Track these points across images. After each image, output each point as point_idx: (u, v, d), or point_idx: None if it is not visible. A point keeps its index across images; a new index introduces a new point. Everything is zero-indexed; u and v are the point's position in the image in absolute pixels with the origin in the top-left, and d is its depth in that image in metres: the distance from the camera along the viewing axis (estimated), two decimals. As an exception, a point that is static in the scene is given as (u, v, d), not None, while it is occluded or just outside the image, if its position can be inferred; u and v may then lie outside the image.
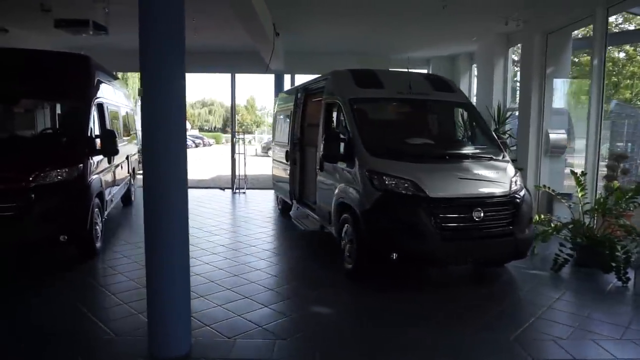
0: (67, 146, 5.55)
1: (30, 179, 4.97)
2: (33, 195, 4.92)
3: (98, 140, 5.83)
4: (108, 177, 6.69)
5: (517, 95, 9.21)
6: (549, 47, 7.52)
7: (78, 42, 9.52)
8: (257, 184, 12.88)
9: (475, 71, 11.96)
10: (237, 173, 12.00)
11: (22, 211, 4.85)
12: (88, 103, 5.89)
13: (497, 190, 4.76)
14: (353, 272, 4.98)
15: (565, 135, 7.88)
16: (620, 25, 14.44)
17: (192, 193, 11.72)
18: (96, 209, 5.77)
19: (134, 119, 9.99)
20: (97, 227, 5.85)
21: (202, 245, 6.37)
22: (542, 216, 5.83)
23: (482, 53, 10.45)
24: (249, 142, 44.76)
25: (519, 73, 9.79)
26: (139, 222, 7.87)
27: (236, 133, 12.85)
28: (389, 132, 5.54)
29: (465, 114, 6.04)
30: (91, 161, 5.67)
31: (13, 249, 5.25)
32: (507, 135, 8.78)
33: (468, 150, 5.51)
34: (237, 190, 11.83)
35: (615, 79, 15.93)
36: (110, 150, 5.98)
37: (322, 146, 5.36)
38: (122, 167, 7.98)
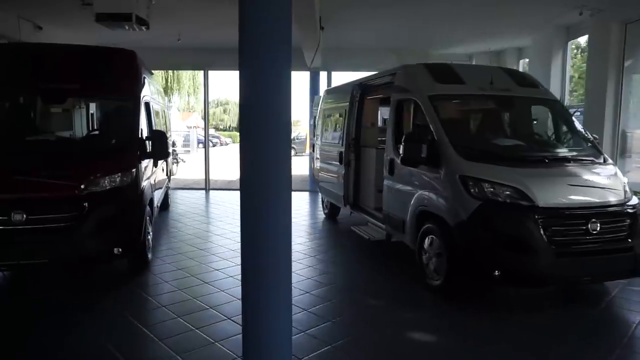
0: (118, 149, 5.07)
1: (83, 186, 4.50)
2: (86, 204, 4.45)
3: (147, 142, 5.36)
4: (154, 181, 6.22)
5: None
6: (628, 38, 6.88)
7: (104, 39, 9.11)
8: (295, 185, 12.33)
9: (523, 67, 11.32)
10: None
11: (75, 222, 4.37)
12: (137, 101, 5.38)
13: (613, 198, 4.19)
14: (441, 289, 4.45)
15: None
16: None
17: (225, 196, 11.51)
18: (147, 217, 5.30)
19: (169, 117, 9.55)
20: (149, 236, 5.37)
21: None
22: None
23: (537, 47, 9.79)
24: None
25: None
26: (184, 229, 7.43)
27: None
28: (476, 133, 4.99)
29: (550, 112, 5.46)
30: (142, 165, 5.20)
31: (65, 265, 4.73)
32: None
33: (565, 152, 4.94)
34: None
35: None
36: (161, 152, 5.47)
37: (400, 148, 4.85)
38: (163, 170, 7.51)
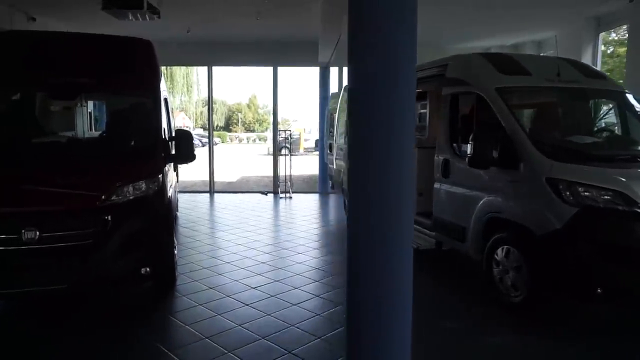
0: (140, 151, 4.40)
1: (103, 196, 3.82)
2: (109, 218, 3.77)
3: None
4: (175, 187, 5.55)
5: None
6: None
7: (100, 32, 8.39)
8: (297, 187, 11.71)
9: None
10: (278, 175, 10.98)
11: (97, 239, 3.69)
12: (157, 97, 4.66)
13: None
14: (522, 307, 3.90)
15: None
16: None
17: (232, 199, 10.84)
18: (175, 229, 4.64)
19: (173, 116, 8.85)
20: (175, 251, 4.71)
21: (296, 268, 5.24)
22: None
23: (565, 40, 9.33)
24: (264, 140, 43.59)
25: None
26: (200, 238, 6.75)
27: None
28: (553, 129, 4.45)
29: (618, 105, 4.96)
30: (166, 170, 4.54)
31: (86, 291, 3.96)
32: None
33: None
34: (283, 195, 10.70)
35: None
36: (186, 155, 4.74)
37: (455, 148, 4.32)
38: (177, 174, 6.82)
